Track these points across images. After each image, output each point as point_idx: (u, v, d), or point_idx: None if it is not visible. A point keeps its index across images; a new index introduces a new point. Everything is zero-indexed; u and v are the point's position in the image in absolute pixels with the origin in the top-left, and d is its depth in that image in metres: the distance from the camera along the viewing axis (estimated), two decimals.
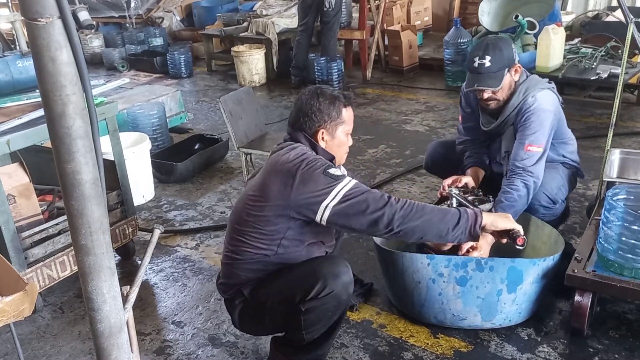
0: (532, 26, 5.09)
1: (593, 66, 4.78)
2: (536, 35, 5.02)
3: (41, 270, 2.65)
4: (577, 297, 2.31)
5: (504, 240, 2.10)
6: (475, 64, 2.66)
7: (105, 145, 2.79)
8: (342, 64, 6.44)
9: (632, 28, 2.77)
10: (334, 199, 1.93)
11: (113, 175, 2.98)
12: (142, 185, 3.88)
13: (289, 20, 6.96)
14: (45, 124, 1.15)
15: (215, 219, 3.67)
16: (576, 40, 5.46)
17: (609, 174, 2.87)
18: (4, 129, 2.49)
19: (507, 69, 2.66)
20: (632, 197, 2.39)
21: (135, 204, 3.28)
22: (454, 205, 2.63)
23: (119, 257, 3.20)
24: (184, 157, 4.30)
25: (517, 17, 5.01)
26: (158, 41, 8.20)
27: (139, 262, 3.20)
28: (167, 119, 4.89)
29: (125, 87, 5.65)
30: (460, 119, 3.10)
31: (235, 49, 6.91)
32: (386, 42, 7.04)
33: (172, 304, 2.83)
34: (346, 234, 3.00)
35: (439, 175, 3.21)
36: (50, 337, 2.62)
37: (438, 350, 2.39)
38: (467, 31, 6.22)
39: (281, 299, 2.04)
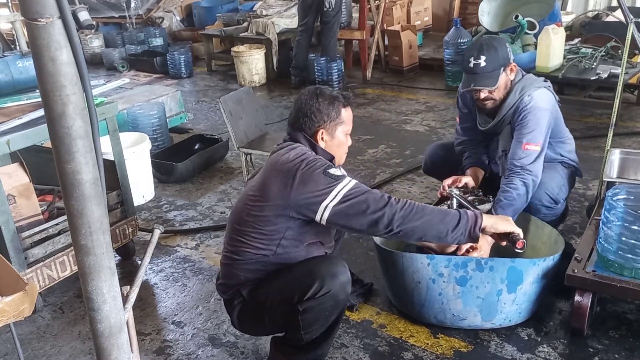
0: (532, 26, 5.09)
1: (593, 66, 4.78)
2: (536, 36, 5.02)
3: (41, 270, 2.65)
4: (577, 297, 2.31)
5: (504, 243, 2.10)
6: (471, 65, 2.66)
7: (105, 145, 2.79)
8: (342, 64, 6.43)
9: (632, 28, 2.77)
10: (334, 199, 1.93)
11: (113, 175, 2.98)
12: (142, 185, 3.88)
13: (289, 20, 6.96)
14: (45, 124, 1.15)
15: (215, 219, 3.67)
16: (576, 40, 5.46)
17: (609, 174, 2.87)
18: (4, 129, 2.49)
19: (502, 68, 2.66)
20: (632, 197, 2.39)
21: (135, 204, 3.28)
22: (454, 205, 2.63)
23: (119, 257, 3.20)
24: (184, 157, 4.30)
25: (517, 17, 5.02)
26: (158, 41, 8.20)
27: (139, 262, 3.20)
28: (167, 119, 4.89)
29: (125, 87, 5.65)
30: (457, 119, 3.10)
31: (235, 49, 6.91)
32: (386, 42, 7.04)
33: (172, 304, 2.83)
34: (346, 234, 3.00)
35: (438, 178, 3.20)
36: (50, 337, 2.62)
37: (438, 350, 2.39)
38: (467, 31, 6.22)
39: (280, 299, 2.04)
